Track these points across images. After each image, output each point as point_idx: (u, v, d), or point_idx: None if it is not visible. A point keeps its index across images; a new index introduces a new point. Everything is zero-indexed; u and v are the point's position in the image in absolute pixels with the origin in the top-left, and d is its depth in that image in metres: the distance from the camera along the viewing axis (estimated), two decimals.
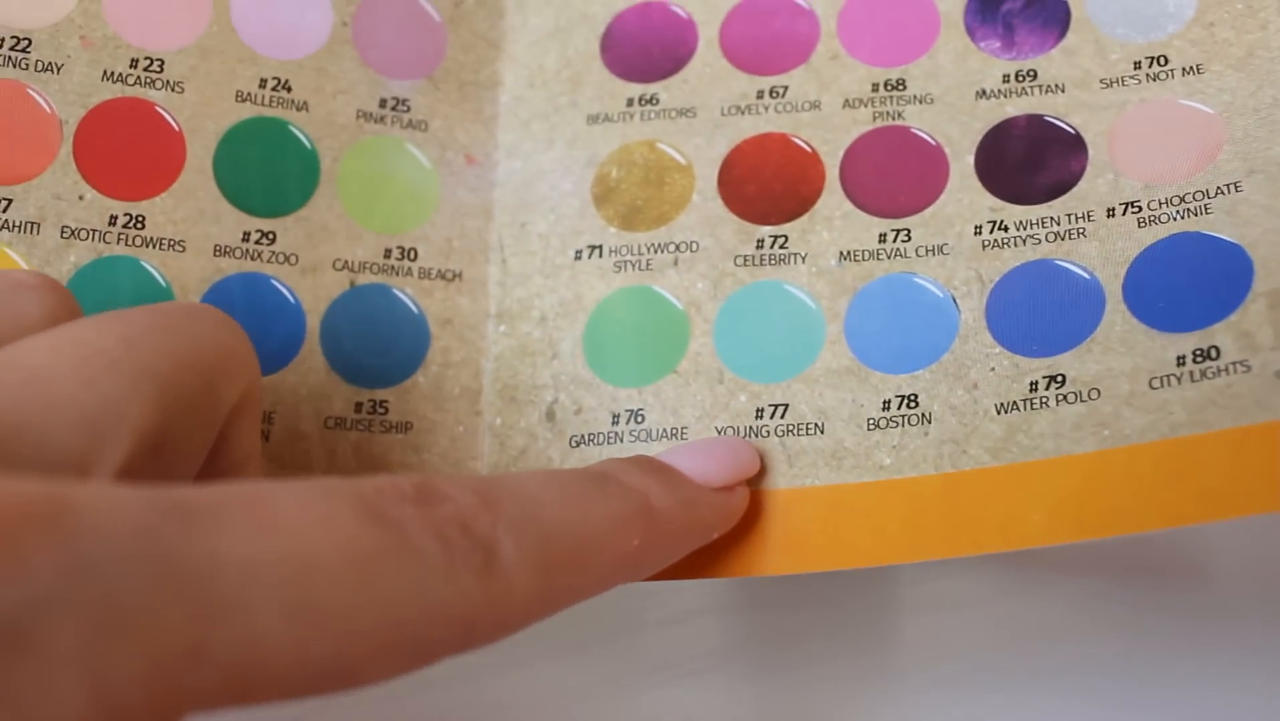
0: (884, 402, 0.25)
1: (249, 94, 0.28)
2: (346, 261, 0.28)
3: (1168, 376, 0.23)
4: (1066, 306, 0.25)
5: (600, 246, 0.28)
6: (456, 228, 0.28)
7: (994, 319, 0.25)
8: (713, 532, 0.23)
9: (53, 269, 0.26)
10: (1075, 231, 0.25)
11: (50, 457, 0.17)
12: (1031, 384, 0.24)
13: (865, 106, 0.28)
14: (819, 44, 0.28)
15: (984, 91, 0.27)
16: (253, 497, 0.16)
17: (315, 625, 0.16)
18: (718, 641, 0.29)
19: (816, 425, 0.25)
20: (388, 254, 0.28)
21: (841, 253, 0.26)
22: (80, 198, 0.26)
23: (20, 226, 0.26)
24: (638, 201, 0.28)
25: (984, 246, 0.26)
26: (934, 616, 0.29)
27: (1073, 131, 0.26)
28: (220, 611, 0.15)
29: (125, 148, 0.27)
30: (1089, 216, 0.25)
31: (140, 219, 0.27)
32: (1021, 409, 0.24)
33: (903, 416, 0.25)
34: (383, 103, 0.29)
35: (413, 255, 0.28)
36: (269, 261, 0.27)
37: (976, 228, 0.26)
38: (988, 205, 0.26)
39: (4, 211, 0.26)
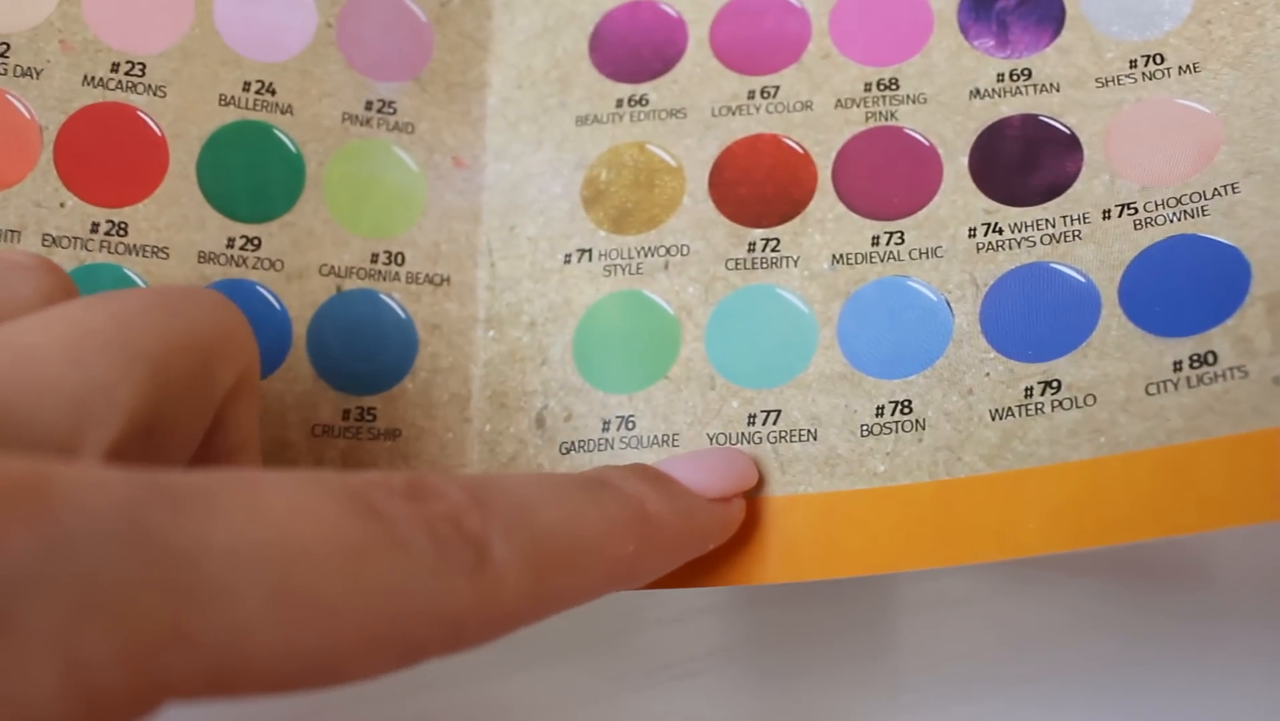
0: (877, 408, 0.25)
1: (232, 97, 0.27)
2: (333, 267, 0.27)
3: (1164, 382, 0.23)
4: (1062, 310, 0.24)
5: (590, 250, 0.27)
6: (444, 231, 0.28)
7: (988, 323, 0.25)
8: (709, 543, 0.23)
9: None
10: (1070, 234, 0.25)
11: (37, 437, 0.17)
12: (1027, 389, 0.24)
13: (858, 106, 0.27)
14: (810, 43, 0.28)
15: (978, 91, 0.27)
16: (241, 484, 0.16)
17: (299, 614, 0.15)
18: (718, 641, 0.29)
19: (809, 431, 0.25)
20: (375, 258, 0.28)
21: (834, 256, 0.26)
22: (61, 205, 0.26)
23: (0, 235, 0.25)
24: (628, 204, 0.28)
25: (978, 249, 0.25)
26: (934, 616, 0.29)
27: (1068, 131, 0.26)
28: (203, 595, 0.15)
29: (107, 153, 0.26)
30: (1084, 218, 0.25)
31: (123, 226, 0.26)
32: (1017, 415, 0.24)
33: (896, 422, 0.25)
34: (369, 105, 0.28)
35: (400, 260, 0.28)
36: (254, 268, 0.27)
37: (971, 230, 0.26)
38: (982, 207, 0.26)
39: None
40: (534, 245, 0.28)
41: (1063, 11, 0.27)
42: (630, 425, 0.26)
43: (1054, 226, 0.25)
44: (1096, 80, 0.26)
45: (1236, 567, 0.29)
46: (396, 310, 0.27)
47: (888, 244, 0.26)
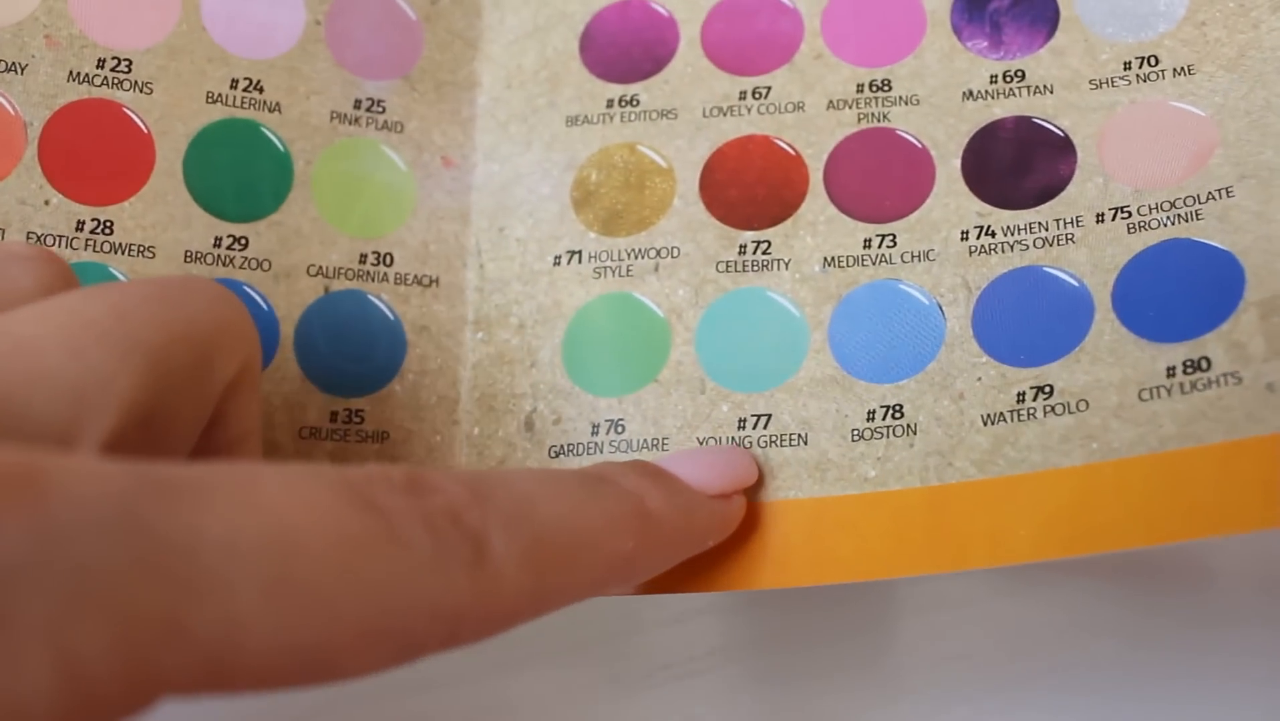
0: (868, 413, 0.25)
1: (220, 95, 0.27)
2: (321, 267, 0.27)
3: (1157, 388, 0.23)
4: (1054, 314, 0.24)
5: (580, 252, 0.27)
6: (433, 232, 0.28)
7: (981, 327, 0.25)
8: (708, 540, 0.23)
9: None
10: (1064, 237, 0.25)
11: (33, 428, 0.17)
12: (1019, 394, 0.24)
13: (850, 108, 0.27)
14: (802, 43, 0.28)
15: (971, 92, 0.27)
16: (238, 476, 0.16)
17: (296, 608, 0.15)
18: (717, 642, 0.29)
19: (800, 436, 0.25)
20: (363, 259, 0.27)
21: (825, 258, 0.26)
22: (46, 202, 0.26)
23: None
24: (618, 206, 0.27)
25: (971, 252, 0.25)
26: (933, 617, 0.29)
27: (1061, 134, 0.26)
28: (198, 587, 0.14)
29: (92, 150, 0.26)
30: (1078, 222, 0.25)
31: (108, 224, 0.26)
32: (1008, 420, 0.24)
33: (887, 427, 0.24)
34: (357, 103, 0.28)
35: (389, 260, 0.27)
36: (241, 267, 0.26)
37: (963, 233, 0.26)
38: (975, 210, 0.26)
39: None
40: (523, 246, 0.27)
41: (1056, 13, 0.27)
42: (620, 428, 0.26)
43: (1047, 230, 0.25)
44: (1090, 82, 0.26)
45: (1236, 569, 0.29)
46: (385, 311, 0.27)
47: (879, 247, 0.26)
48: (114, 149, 0.26)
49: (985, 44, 0.27)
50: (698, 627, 0.29)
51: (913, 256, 0.26)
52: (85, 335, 0.18)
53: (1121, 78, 0.26)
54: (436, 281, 0.28)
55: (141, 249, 0.26)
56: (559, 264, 0.27)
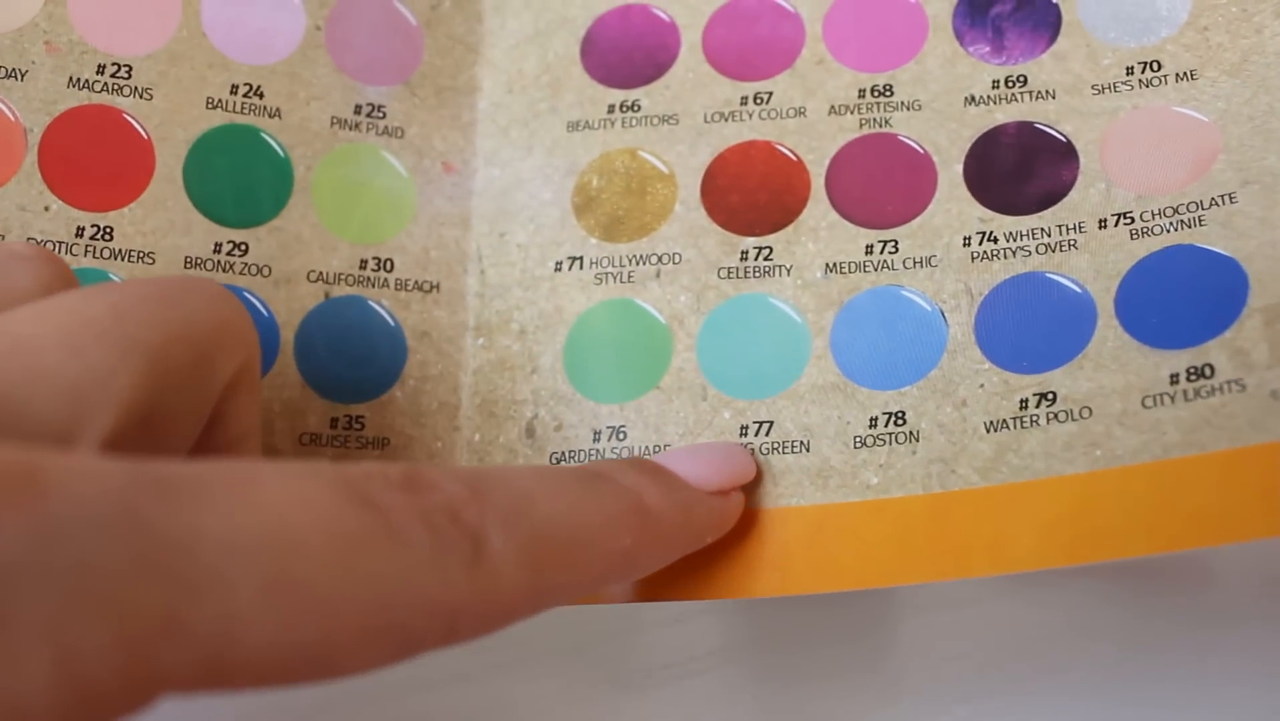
0: (871, 420, 0.24)
1: (220, 100, 0.27)
2: (321, 273, 0.27)
3: (1161, 395, 0.23)
4: (1057, 321, 0.24)
5: (581, 258, 0.27)
6: (434, 237, 0.28)
7: (983, 333, 0.25)
8: (706, 537, 0.23)
9: None
10: (1066, 243, 0.25)
11: (32, 427, 0.17)
12: (1022, 401, 0.24)
13: (851, 113, 0.27)
14: (804, 48, 0.28)
15: (973, 98, 0.27)
16: (236, 474, 0.16)
17: (294, 605, 0.15)
18: (717, 642, 0.29)
19: (802, 443, 0.25)
20: (363, 264, 0.27)
21: (827, 264, 0.26)
22: (46, 208, 0.26)
23: None
24: (619, 211, 0.27)
25: (973, 258, 0.25)
26: (934, 618, 0.29)
27: (1064, 139, 0.26)
28: (197, 585, 0.14)
29: (92, 156, 0.26)
30: (1080, 228, 0.25)
31: (108, 230, 0.26)
32: (1011, 427, 0.24)
33: (890, 434, 0.24)
34: (358, 109, 0.28)
35: (389, 266, 0.27)
36: (241, 273, 0.26)
37: (965, 239, 0.25)
38: (977, 216, 0.26)
39: None
40: (524, 252, 0.27)
41: (1059, 18, 0.27)
42: (621, 435, 0.26)
43: (1049, 236, 0.25)
44: (1093, 87, 0.26)
45: (1237, 571, 0.29)
46: (385, 317, 0.27)
47: (881, 253, 0.26)
48: (114, 155, 0.26)
49: (987, 49, 0.27)
50: (698, 627, 0.29)
51: (915, 262, 0.26)
52: (84, 334, 0.18)
53: (1124, 83, 0.26)
54: (437, 287, 0.27)
55: (141, 255, 0.26)
56: (560, 270, 0.27)
